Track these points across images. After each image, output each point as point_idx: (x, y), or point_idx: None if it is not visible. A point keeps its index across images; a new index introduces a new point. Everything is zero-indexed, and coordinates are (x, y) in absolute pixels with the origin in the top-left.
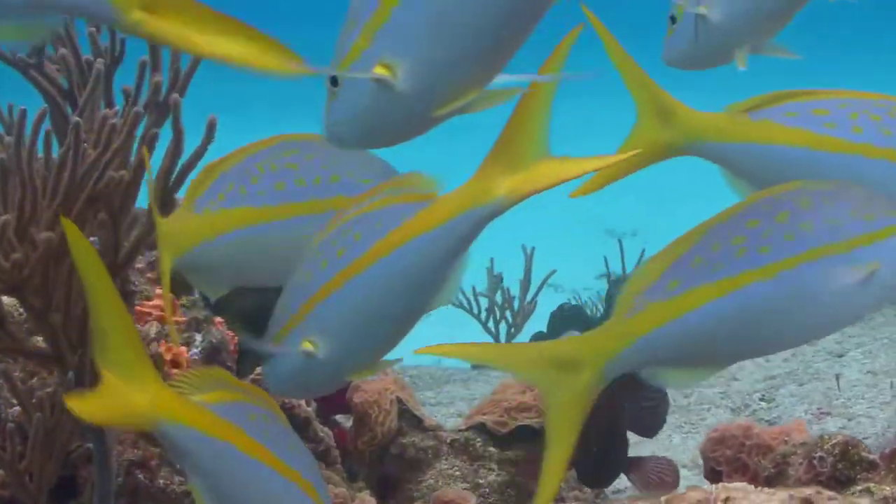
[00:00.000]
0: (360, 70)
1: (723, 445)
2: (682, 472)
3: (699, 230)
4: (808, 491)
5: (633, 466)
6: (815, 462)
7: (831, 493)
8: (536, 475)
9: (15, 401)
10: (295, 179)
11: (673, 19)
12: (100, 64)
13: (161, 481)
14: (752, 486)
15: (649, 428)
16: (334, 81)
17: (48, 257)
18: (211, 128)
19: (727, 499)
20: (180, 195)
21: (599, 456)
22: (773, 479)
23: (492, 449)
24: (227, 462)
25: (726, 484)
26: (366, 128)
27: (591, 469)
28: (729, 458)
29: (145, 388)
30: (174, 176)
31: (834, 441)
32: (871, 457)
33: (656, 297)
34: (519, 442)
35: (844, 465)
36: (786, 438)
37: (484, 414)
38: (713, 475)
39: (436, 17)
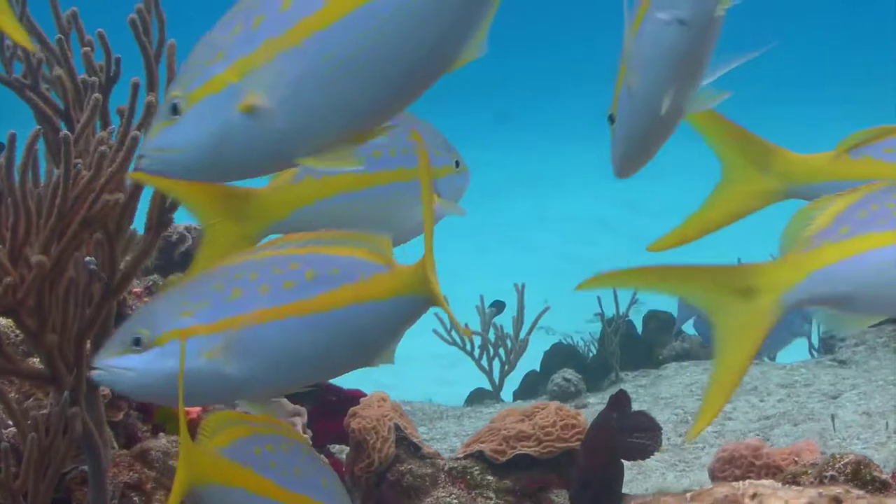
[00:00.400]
0: (222, 103)
1: (732, 465)
2: None
3: (855, 193)
4: (836, 489)
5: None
6: (825, 481)
7: (860, 493)
8: (536, 502)
9: (10, 421)
10: (389, 148)
11: (612, 119)
12: (97, 92)
13: None
14: (780, 484)
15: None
16: (174, 109)
17: (42, 279)
18: None
19: (755, 494)
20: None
21: (598, 488)
22: None
23: (490, 477)
24: None
25: (753, 481)
26: (213, 158)
27: (589, 501)
28: (738, 478)
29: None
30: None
31: (845, 460)
32: (883, 476)
33: (828, 239)
34: (517, 470)
35: (856, 484)
36: (795, 458)
37: (482, 442)
38: None
39: (320, 72)
